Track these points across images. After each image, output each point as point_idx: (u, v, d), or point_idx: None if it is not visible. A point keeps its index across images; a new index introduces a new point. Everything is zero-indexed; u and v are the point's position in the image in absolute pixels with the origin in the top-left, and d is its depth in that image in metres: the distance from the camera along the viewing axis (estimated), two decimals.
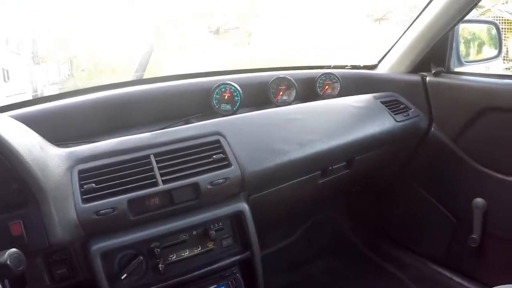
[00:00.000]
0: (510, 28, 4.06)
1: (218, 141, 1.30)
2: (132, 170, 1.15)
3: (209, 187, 1.19)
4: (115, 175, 1.13)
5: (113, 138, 1.26)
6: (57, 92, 2.01)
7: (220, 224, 1.26)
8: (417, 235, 2.01)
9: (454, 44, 1.82)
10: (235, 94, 1.62)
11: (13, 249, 0.86)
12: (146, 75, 1.92)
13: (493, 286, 1.11)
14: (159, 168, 1.17)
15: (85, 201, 1.07)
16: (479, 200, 1.68)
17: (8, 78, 3.04)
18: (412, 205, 1.98)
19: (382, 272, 2.04)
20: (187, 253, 1.21)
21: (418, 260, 1.99)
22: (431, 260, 1.95)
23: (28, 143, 1.02)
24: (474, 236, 1.68)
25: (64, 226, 1.02)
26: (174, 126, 1.42)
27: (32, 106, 1.43)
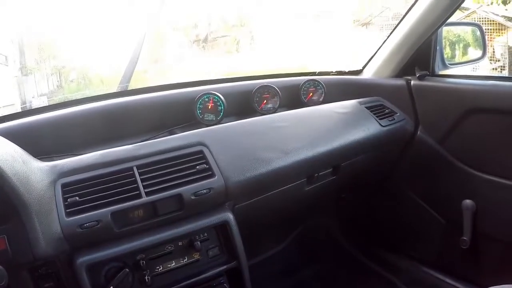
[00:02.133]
0: (496, 29, 4.09)
1: (201, 152, 1.30)
2: (116, 183, 1.16)
3: (192, 197, 1.20)
4: (98, 188, 1.14)
5: (97, 150, 1.26)
6: (46, 103, 2.01)
7: (206, 234, 1.27)
8: (408, 238, 2.02)
9: (438, 47, 1.83)
10: (219, 104, 1.64)
11: None
12: (132, 86, 1.93)
13: (485, 287, 1.12)
14: (142, 180, 1.18)
15: (69, 214, 1.08)
16: (468, 202, 1.69)
17: None
18: (402, 209, 1.99)
19: (374, 276, 2.05)
20: (173, 264, 1.22)
21: (410, 263, 2.00)
22: (423, 263, 1.96)
23: (10, 158, 1.03)
24: (464, 238, 1.69)
25: (49, 240, 1.02)
26: (159, 137, 1.43)
27: (15, 120, 1.43)
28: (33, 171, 1.08)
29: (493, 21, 4.05)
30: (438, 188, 1.82)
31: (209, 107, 1.64)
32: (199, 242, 1.22)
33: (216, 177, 1.25)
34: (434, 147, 1.77)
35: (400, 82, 1.84)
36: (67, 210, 1.08)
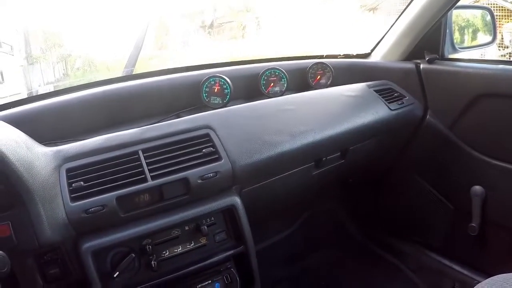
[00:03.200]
0: (505, 15, 4.02)
1: (207, 135, 1.28)
2: (121, 167, 1.14)
3: (199, 181, 1.18)
4: (103, 172, 1.12)
5: (102, 135, 1.24)
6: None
7: (213, 219, 1.25)
8: (416, 224, 2.00)
9: (447, 31, 1.80)
10: (225, 87, 1.61)
11: None
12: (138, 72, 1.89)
13: (493, 275, 1.10)
14: (148, 164, 1.16)
15: (74, 199, 1.06)
16: (477, 188, 1.66)
17: (3, 79, 3.02)
18: (410, 195, 1.97)
19: (382, 262, 2.04)
20: (179, 249, 1.20)
21: (418, 250, 1.98)
22: (431, 249, 1.94)
23: (13, 143, 1.01)
24: (473, 225, 1.66)
25: (53, 226, 1.01)
26: (165, 121, 1.40)
27: (20, 106, 1.41)
28: (37, 157, 1.07)
29: (502, 7, 3.97)
30: (447, 174, 1.79)
31: (215, 90, 1.60)
32: (206, 227, 1.21)
33: (222, 160, 1.23)
34: (443, 132, 1.74)
35: (409, 65, 1.80)
36: (72, 195, 1.07)
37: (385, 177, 2.06)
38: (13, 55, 3.19)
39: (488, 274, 1.59)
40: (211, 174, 1.20)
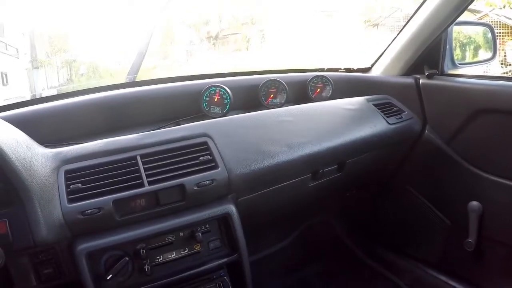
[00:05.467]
0: (508, 33, 4.04)
1: (205, 143, 1.29)
2: (119, 171, 1.16)
3: (195, 188, 1.19)
4: (101, 175, 1.14)
5: (102, 139, 1.26)
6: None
7: (207, 226, 1.26)
8: (412, 239, 2.00)
9: (447, 46, 1.80)
10: (225, 96, 1.63)
11: None
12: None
13: None
14: (145, 169, 1.18)
15: (71, 201, 1.08)
16: (474, 203, 1.66)
17: (7, 82, 3.03)
18: (407, 209, 1.96)
19: (377, 276, 2.03)
20: (173, 254, 1.21)
21: (414, 265, 1.97)
22: (427, 265, 1.93)
23: (14, 143, 1.03)
24: (470, 240, 1.66)
25: (50, 225, 1.02)
26: (164, 128, 1.42)
27: (22, 108, 1.44)
28: (37, 157, 1.08)
29: (505, 24, 4.00)
30: (444, 189, 1.79)
31: (215, 100, 1.63)
32: (200, 234, 1.21)
33: (219, 168, 1.24)
34: (441, 147, 1.75)
35: (409, 80, 1.81)
36: (69, 197, 1.08)
37: (382, 191, 2.06)
38: (18, 58, 3.20)
39: None
40: (207, 182, 1.21)
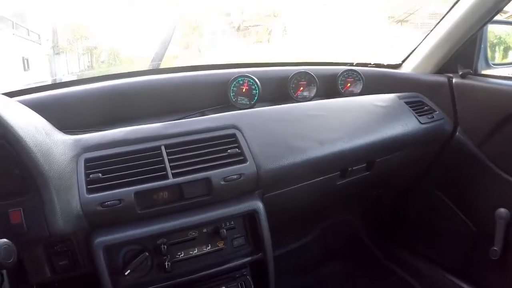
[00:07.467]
0: None
1: (234, 135, 1.21)
2: (141, 161, 1.08)
3: (222, 183, 1.11)
4: (123, 165, 1.06)
5: (123, 127, 1.17)
6: None
7: (232, 222, 1.18)
8: (435, 242, 1.90)
9: (482, 45, 1.71)
10: (253, 87, 1.52)
11: (3, 240, 0.80)
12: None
13: None
14: (170, 161, 1.09)
15: (90, 191, 1.00)
16: (502, 211, 1.55)
17: (28, 67, 3.03)
18: (432, 212, 1.87)
19: (396, 278, 1.95)
20: (195, 251, 1.14)
21: (433, 269, 1.88)
22: (448, 271, 1.83)
23: (32, 128, 0.96)
24: (495, 248, 1.56)
25: (66, 216, 0.95)
26: (189, 118, 1.32)
27: (42, 92, 1.35)
28: (56, 144, 1.01)
29: None
30: (472, 194, 1.70)
31: (243, 90, 1.52)
32: (225, 230, 1.14)
33: (248, 162, 1.16)
34: (472, 150, 1.64)
35: (441, 79, 1.71)
36: (89, 187, 1.01)
37: (408, 192, 1.96)
38: (40, 44, 3.19)
39: None
40: (235, 176, 1.12)
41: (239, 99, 1.53)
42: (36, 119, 1.04)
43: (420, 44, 1.81)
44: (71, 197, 0.97)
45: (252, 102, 1.52)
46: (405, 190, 1.97)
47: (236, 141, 1.19)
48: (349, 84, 1.72)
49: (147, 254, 1.06)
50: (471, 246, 1.73)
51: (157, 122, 1.23)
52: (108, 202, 0.99)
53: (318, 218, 2.12)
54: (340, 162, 1.39)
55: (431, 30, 1.74)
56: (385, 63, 1.90)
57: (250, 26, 3.40)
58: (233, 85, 1.52)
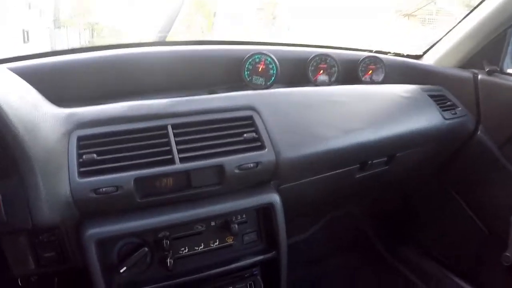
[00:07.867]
0: None
1: (251, 117, 1.03)
2: (144, 142, 0.91)
3: (236, 171, 0.94)
4: (122, 146, 0.89)
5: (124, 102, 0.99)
6: None
7: (244, 216, 1.02)
8: (444, 244, 1.77)
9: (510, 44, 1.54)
10: (271, 66, 1.33)
11: None
12: None
13: None
14: (177, 143, 0.92)
15: (82, 174, 0.83)
16: None
17: (28, 39, 2.93)
18: (444, 212, 1.74)
19: (401, 278, 1.82)
20: (201, 247, 0.98)
21: (440, 270, 1.75)
22: (457, 274, 1.70)
23: (17, 99, 0.78)
24: (507, 254, 1.42)
25: (53, 203, 0.79)
26: (199, 95, 1.13)
27: (34, 59, 1.15)
28: (44, 118, 0.84)
29: None
30: (487, 196, 1.56)
31: (259, 69, 1.33)
32: (236, 225, 0.97)
33: (266, 149, 0.99)
34: (492, 151, 1.50)
35: (466, 74, 1.55)
36: (81, 169, 0.84)
37: (421, 189, 1.82)
38: (41, 17, 3.02)
39: None
40: (252, 165, 0.96)
41: (254, 79, 1.33)
42: (23, 88, 0.87)
43: (444, 36, 1.65)
44: (59, 181, 0.80)
45: (269, 83, 1.33)
46: (418, 188, 1.83)
47: (253, 124, 1.02)
48: (370, 71, 1.54)
49: (146, 249, 0.90)
50: (483, 250, 1.61)
51: (163, 98, 1.04)
52: (103, 189, 0.83)
53: (326, 211, 1.97)
54: (361, 154, 1.23)
55: (459, 22, 1.58)
56: (405, 53, 1.73)
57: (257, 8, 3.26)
58: (248, 62, 1.32)
